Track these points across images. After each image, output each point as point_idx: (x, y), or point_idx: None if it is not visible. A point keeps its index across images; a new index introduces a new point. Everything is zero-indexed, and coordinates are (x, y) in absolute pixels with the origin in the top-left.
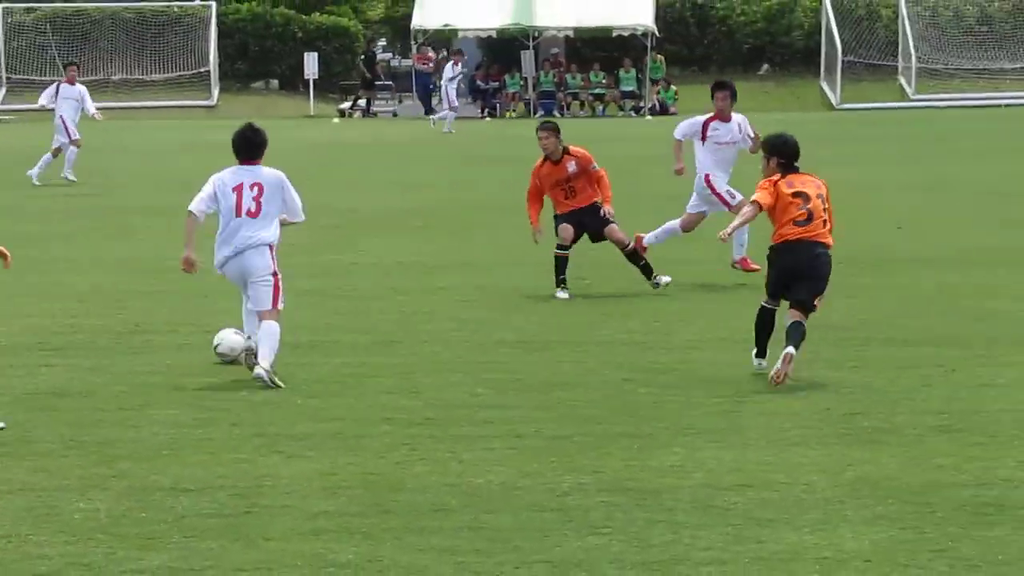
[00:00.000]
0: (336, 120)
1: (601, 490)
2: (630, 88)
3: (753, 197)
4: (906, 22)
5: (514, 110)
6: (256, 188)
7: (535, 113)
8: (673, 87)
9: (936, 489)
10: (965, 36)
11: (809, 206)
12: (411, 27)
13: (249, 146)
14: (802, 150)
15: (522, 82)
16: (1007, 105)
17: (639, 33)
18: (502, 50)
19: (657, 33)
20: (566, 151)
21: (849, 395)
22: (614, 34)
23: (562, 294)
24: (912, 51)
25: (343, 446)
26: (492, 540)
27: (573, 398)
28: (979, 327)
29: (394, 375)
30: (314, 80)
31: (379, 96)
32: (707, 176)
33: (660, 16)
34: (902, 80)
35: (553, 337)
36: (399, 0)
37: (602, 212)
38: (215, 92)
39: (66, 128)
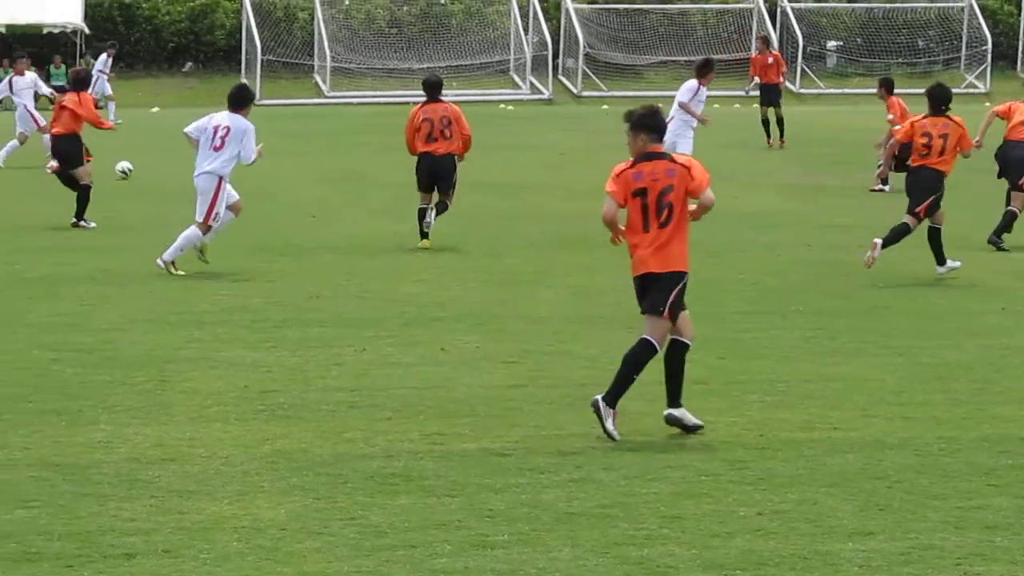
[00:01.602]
0: None
1: (30, 465)
2: (60, 84)
3: None
4: (321, 24)
5: None
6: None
7: None
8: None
9: (347, 461)
10: (376, 38)
11: None
12: None
13: (234, 98)
14: None
15: None
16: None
17: (69, 31)
18: None
19: (87, 31)
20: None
21: (266, 374)
22: (44, 31)
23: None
24: (327, 51)
25: None
26: None
27: (1, 378)
28: (389, 309)
29: None
30: None
31: None
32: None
33: (88, 15)
34: (318, 78)
35: None
36: None
37: None
38: None
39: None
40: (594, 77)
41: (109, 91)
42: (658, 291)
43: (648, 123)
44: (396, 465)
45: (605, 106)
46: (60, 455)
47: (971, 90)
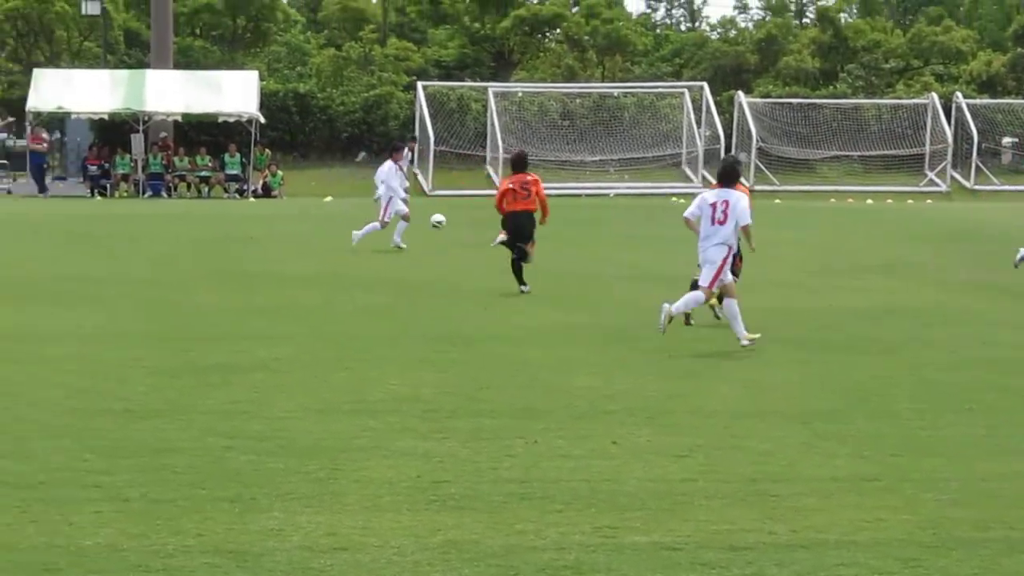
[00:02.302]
0: None
1: (204, 552)
2: (235, 171)
3: None
4: (494, 115)
5: (125, 190)
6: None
7: (143, 193)
8: (280, 172)
9: (518, 553)
10: (549, 130)
11: None
12: (26, 108)
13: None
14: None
15: (132, 163)
16: (588, 196)
17: (244, 120)
18: (113, 132)
19: (262, 120)
20: None
21: (438, 464)
22: (220, 120)
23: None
24: (500, 142)
25: None
26: None
27: (176, 463)
28: (559, 400)
29: (5, 440)
30: None
31: None
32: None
33: (264, 104)
34: (490, 169)
35: (158, 406)
36: (15, 84)
37: None
38: None
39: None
40: (766, 171)
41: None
42: None
43: None
44: (568, 558)
45: (777, 200)
46: (233, 542)
47: None
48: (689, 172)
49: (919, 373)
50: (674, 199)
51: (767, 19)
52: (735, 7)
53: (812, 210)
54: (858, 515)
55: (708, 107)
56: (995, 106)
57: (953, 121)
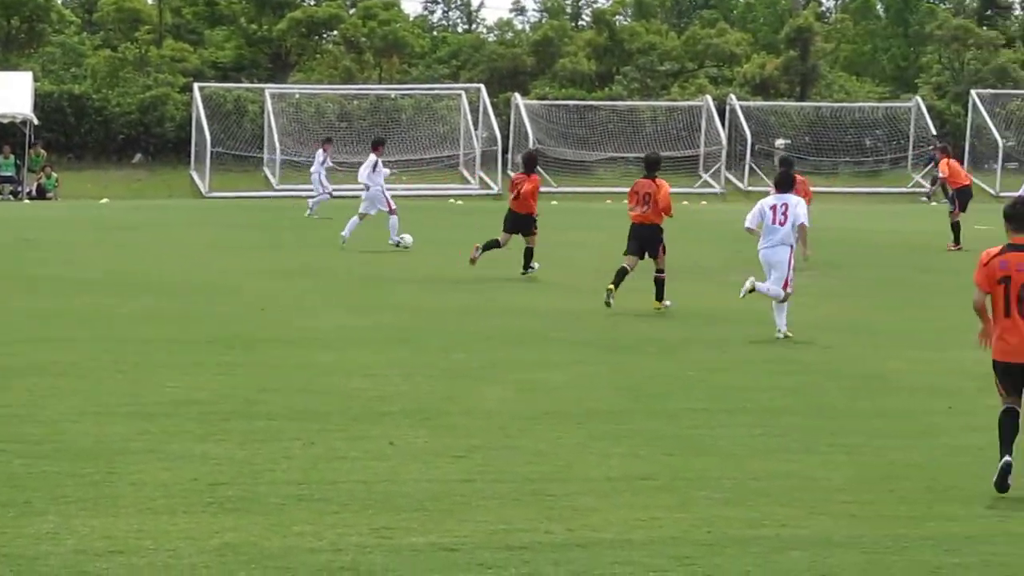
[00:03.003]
0: None
1: None
2: (9, 173)
3: None
4: (271, 117)
5: None
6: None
7: None
8: (54, 174)
9: (295, 554)
10: (327, 132)
11: None
12: None
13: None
14: (174, 234)
15: None
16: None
17: (18, 121)
18: None
19: (36, 121)
20: None
21: (215, 466)
22: None
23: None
24: (277, 144)
25: None
26: None
27: None
28: (337, 403)
29: None
30: None
31: None
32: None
33: (38, 105)
34: (267, 171)
35: None
36: None
37: None
38: None
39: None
40: (543, 173)
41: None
42: None
43: (1007, 213)
44: (345, 559)
45: (554, 201)
46: (7, 546)
47: (917, 189)
48: (466, 174)
49: (694, 373)
50: (452, 200)
51: (543, 21)
52: (512, 9)
53: (589, 212)
54: (633, 514)
55: (485, 109)
56: (768, 108)
57: (727, 123)
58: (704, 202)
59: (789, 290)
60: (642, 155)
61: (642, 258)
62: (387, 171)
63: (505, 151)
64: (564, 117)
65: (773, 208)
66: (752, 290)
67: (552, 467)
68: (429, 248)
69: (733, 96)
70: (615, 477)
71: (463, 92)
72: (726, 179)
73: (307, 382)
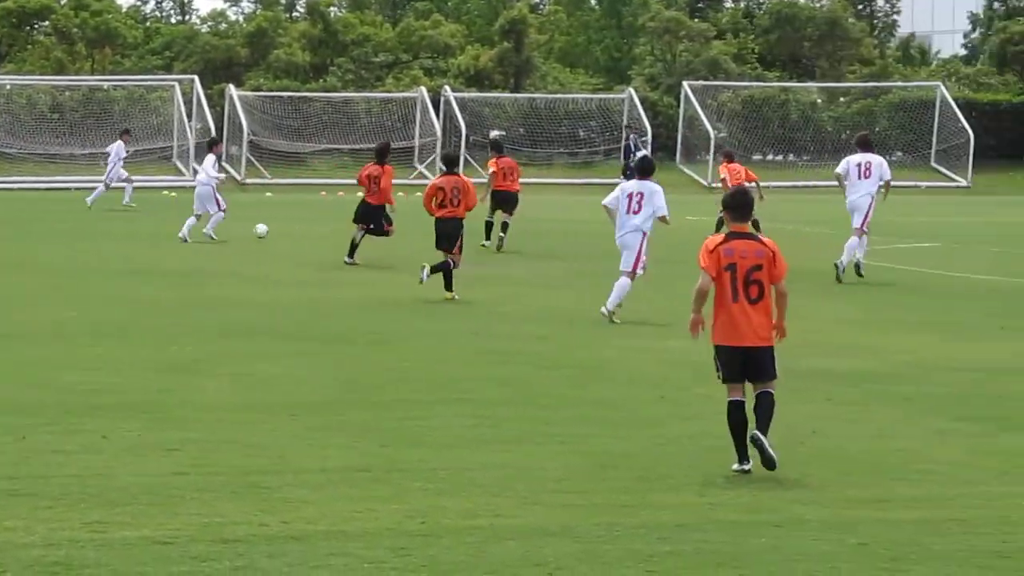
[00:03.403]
0: None
1: None
2: None
3: None
4: None
5: None
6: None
7: None
8: None
9: (7, 550)
10: (38, 123)
11: None
12: None
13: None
14: None
15: None
16: (78, 189)
17: None
18: None
19: None
20: None
21: None
22: None
23: None
24: None
25: None
26: None
27: None
28: (49, 396)
29: None
30: None
31: None
32: None
33: None
34: None
35: None
36: None
37: None
38: None
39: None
40: (258, 164)
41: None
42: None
43: (727, 203)
44: (57, 553)
45: (269, 193)
46: None
47: None
48: (180, 165)
49: (410, 364)
50: (166, 192)
51: (257, 12)
52: (225, 0)
53: (305, 204)
54: (349, 506)
55: (199, 100)
56: (483, 100)
57: (442, 114)
58: (419, 193)
59: (640, 271)
60: (357, 147)
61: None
62: (222, 175)
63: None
64: (279, 108)
65: (630, 196)
66: (612, 314)
67: (267, 459)
68: (144, 241)
69: (448, 87)
70: (330, 469)
71: (176, 83)
72: (440, 170)
73: (19, 376)
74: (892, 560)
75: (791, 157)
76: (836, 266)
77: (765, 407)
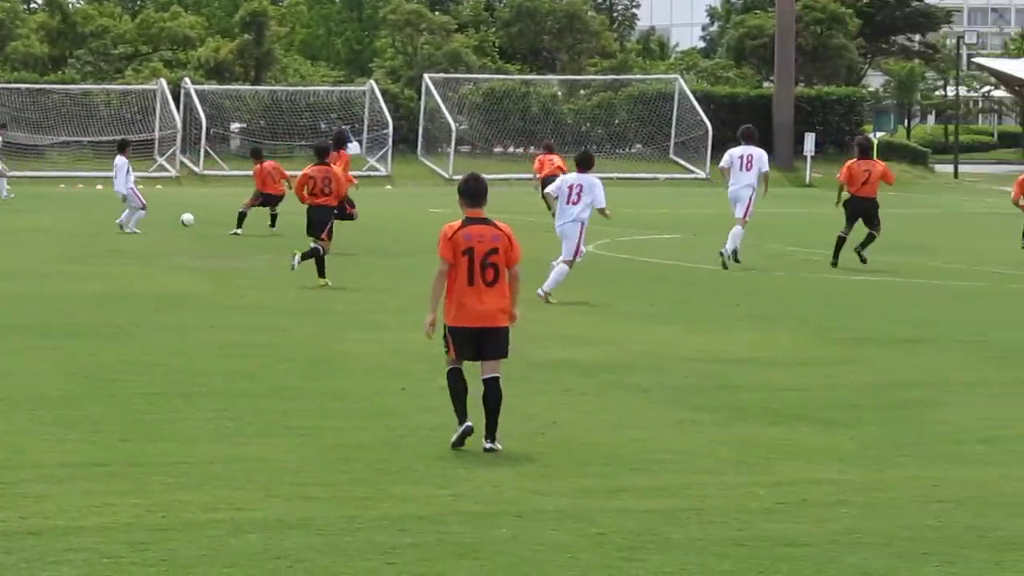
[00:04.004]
0: None
1: None
2: None
3: None
4: None
5: None
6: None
7: None
8: None
9: None
10: None
11: None
12: None
13: (582, 162)
14: None
15: None
16: None
17: None
18: None
19: None
20: None
21: None
22: None
23: None
24: None
25: None
26: None
27: None
28: None
29: None
30: None
31: None
32: None
33: None
34: None
35: None
36: None
37: None
38: None
39: None
40: None
41: None
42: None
43: (461, 190)
44: None
45: (8, 187)
46: None
47: (372, 172)
48: None
49: (149, 358)
50: None
51: None
52: None
53: (45, 196)
54: (87, 500)
55: None
56: (223, 92)
57: (182, 107)
58: (159, 186)
59: (579, 259)
60: (97, 139)
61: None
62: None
63: None
64: (16, 101)
65: (570, 188)
66: (547, 296)
67: (4, 454)
68: None
69: (188, 80)
70: (69, 463)
71: None
72: (181, 163)
73: None
74: (630, 549)
75: (532, 150)
76: (721, 254)
77: (493, 404)
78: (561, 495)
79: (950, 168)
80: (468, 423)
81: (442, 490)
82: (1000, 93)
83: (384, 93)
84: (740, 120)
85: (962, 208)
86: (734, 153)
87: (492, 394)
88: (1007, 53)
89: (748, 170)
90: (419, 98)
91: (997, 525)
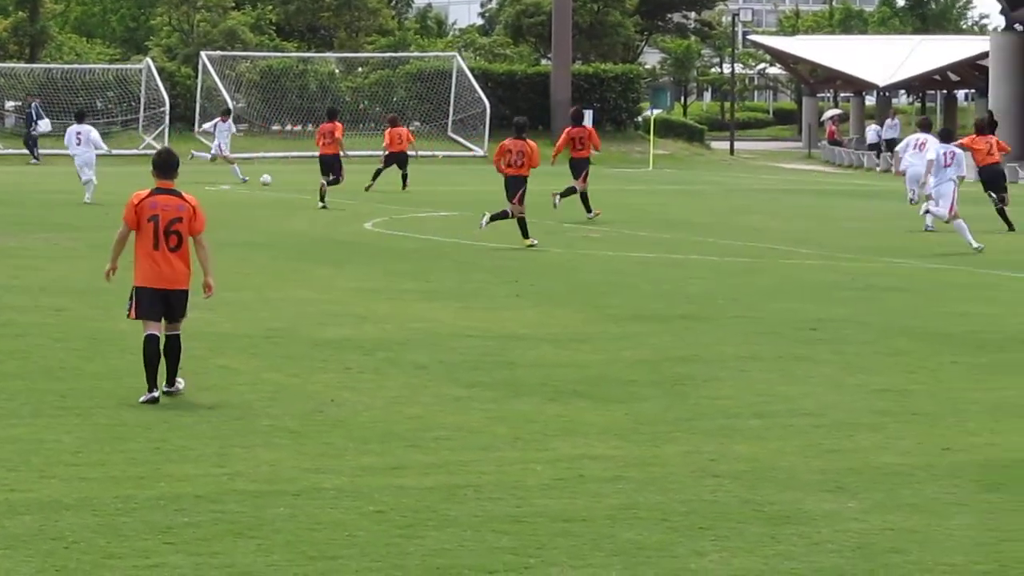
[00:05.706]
0: None
1: None
2: None
3: None
4: None
5: None
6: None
7: None
8: None
9: None
10: None
11: None
12: None
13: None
14: None
15: None
16: None
17: None
18: None
19: None
20: None
21: None
22: None
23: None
24: None
25: None
26: None
27: None
28: None
29: None
30: None
31: None
32: None
33: None
34: None
35: None
36: None
37: None
38: None
39: None
40: None
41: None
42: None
43: (154, 162)
44: None
45: None
46: None
47: (149, 151)
48: None
49: None
50: None
51: None
52: None
53: None
54: None
55: None
56: None
57: None
58: None
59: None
60: None
61: None
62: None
63: None
64: None
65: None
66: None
67: None
68: None
69: None
70: None
71: None
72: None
73: None
74: (408, 527)
75: (310, 127)
76: (974, 248)
77: (173, 355)
78: (339, 473)
79: (726, 145)
80: (156, 393)
81: (219, 469)
82: (775, 70)
83: (161, 71)
84: (518, 97)
85: (738, 184)
86: (939, 149)
87: (174, 346)
88: (782, 30)
89: (948, 165)
90: (196, 76)
91: (772, 499)
